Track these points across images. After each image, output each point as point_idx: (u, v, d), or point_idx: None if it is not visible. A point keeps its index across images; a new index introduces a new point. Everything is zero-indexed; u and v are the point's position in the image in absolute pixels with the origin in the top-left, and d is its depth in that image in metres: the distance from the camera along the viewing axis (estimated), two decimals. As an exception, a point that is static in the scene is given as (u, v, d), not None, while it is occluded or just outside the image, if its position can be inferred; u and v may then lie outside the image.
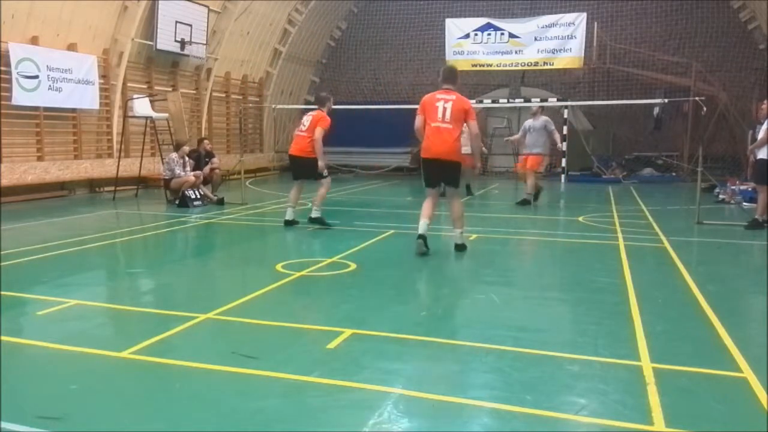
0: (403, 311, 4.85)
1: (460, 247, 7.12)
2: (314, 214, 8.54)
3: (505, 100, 18.76)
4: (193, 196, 11.06)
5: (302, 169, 8.84)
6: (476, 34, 18.47)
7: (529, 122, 11.93)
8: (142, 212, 10.99)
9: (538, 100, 18.05)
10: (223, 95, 17.79)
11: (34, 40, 11.79)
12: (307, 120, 8.58)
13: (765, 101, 9.10)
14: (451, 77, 7.01)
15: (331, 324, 4.33)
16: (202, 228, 9.14)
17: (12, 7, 11.13)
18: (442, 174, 6.95)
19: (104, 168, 13.43)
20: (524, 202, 11.42)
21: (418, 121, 6.94)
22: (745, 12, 17.43)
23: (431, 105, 6.83)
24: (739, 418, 2.96)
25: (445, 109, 6.72)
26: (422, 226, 6.85)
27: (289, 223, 8.75)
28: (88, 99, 12.92)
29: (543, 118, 11.81)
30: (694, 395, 3.22)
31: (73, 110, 12.89)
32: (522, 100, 18.47)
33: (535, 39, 17.94)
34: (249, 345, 3.91)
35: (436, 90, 6.97)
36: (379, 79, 20.93)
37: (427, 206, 6.96)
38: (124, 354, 3.69)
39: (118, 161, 13.00)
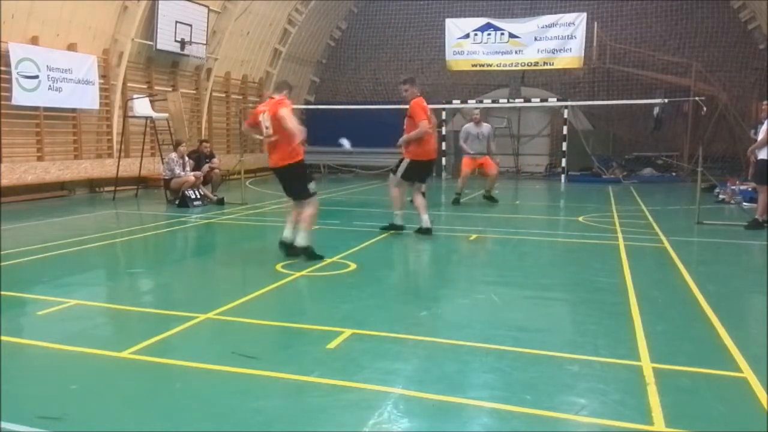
0: (403, 311, 4.84)
1: (428, 231, 7.97)
2: (300, 241, 6.51)
3: (505, 100, 18.76)
4: (193, 196, 11.06)
5: (288, 181, 6.77)
6: (476, 34, 18.47)
7: (472, 128, 11.95)
8: (142, 212, 10.99)
9: (538, 100, 18.09)
10: (223, 95, 17.79)
11: (34, 40, 11.79)
12: (266, 119, 6.41)
13: (765, 101, 9.09)
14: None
15: (331, 324, 4.32)
16: (202, 228, 9.14)
17: (12, 7, 11.13)
18: (430, 171, 8.34)
19: (104, 168, 13.43)
20: (492, 199, 11.76)
21: (427, 125, 7.85)
22: (745, 12, 17.43)
23: (429, 114, 7.95)
24: (739, 418, 2.96)
25: (430, 116, 7.99)
26: (401, 218, 8.13)
27: (282, 245, 6.73)
28: (88, 99, 12.92)
29: (487, 125, 12.10)
30: (694, 395, 3.22)
31: (73, 110, 12.89)
32: (522, 100, 18.49)
33: (535, 39, 17.95)
34: (249, 345, 3.91)
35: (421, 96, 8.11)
36: (379, 79, 20.92)
37: (402, 196, 8.13)
38: (124, 354, 3.69)
39: (118, 161, 13.00)
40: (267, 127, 6.37)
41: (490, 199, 11.75)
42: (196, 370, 3.48)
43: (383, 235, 7.99)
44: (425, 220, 7.94)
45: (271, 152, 6.49)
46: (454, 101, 18.80)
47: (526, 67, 18.58)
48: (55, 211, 10.44)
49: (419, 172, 8.04)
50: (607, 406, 3.05)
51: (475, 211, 10.67)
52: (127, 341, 3.91)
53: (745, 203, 11.24)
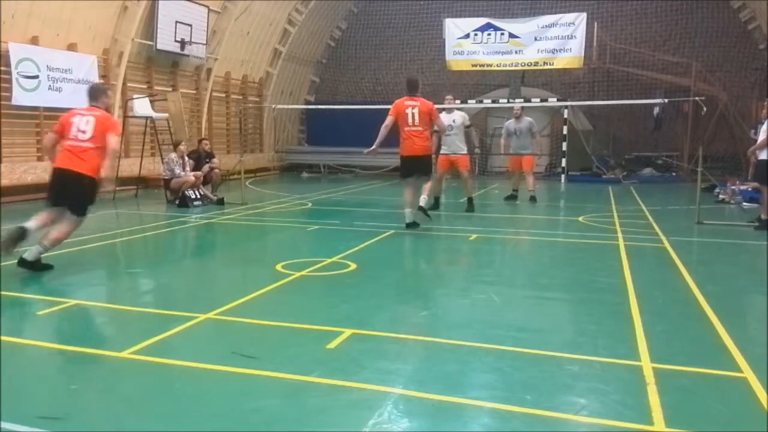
0: (403, 311, 4.84)
1: (423, 210, 8.26)
2: (30, 256, 5.74)
3: (505, 100, 18.75)
4: (193, 196, 11.06)
5: (68, 193, 5.91)
6: (476, 34, 18.47)
7: (512, 124, 12.16)
8: (142, 212, 10.99)
9: (538, 100, 18.09)
10: (223, 95, 17.79)
11: (34, 40, 11.78)
12: (86, 123, 5.87)
13: (767, 101, 9.07)
14: (414, 87, 8.45)
15: (331, 324, 4.32)
16: (202, 228, 9.14)
17: (12, 7, 11.13)
18: (418, 167, 8.32)
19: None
20: (533, 199, 11.85)
21: (389, 121, 8.27)
22: (745, 12, 17.43)
23: (402, 112, 8.24)
24: (739, 418, 2.96)
25: (413, 114, 8.18)
26: (409, 215, 8.26)
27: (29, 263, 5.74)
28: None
29: (527, 120, 12.15)
30: (694, 395, 3.22)
31: (74, 110, 12.88)
32: (522, 100, 18.47)
33: (535, 39, 17.95)
34: (249, 345, 3.91)
35: (404, 97, 8.38)
36: (379, 79, 20.92)
37: (408, 194, 8.31)
38: (124, 354, 3.69)
39: (118, 161, 12.98)
40: (82, 131, 5.82)
41: (532, 199, 11.85)
42: (196, 370, 3.48)
43: (384, 235, 8.00)
44: (407, 214, 8.28)
45: (81, 157, 5.78)
46: (454, 101, 18.79)
47: (526, 67, 18.58)
48: (55, 211, 10.42)
49: (403, 167, 8.49)
50: (607, 406, 3.05)
51: (476, 211, 10.66)
52: (127, 341, 3.90)
53: (745, 203, 11.23)
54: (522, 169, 12.18)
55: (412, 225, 8.29)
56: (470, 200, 10.58)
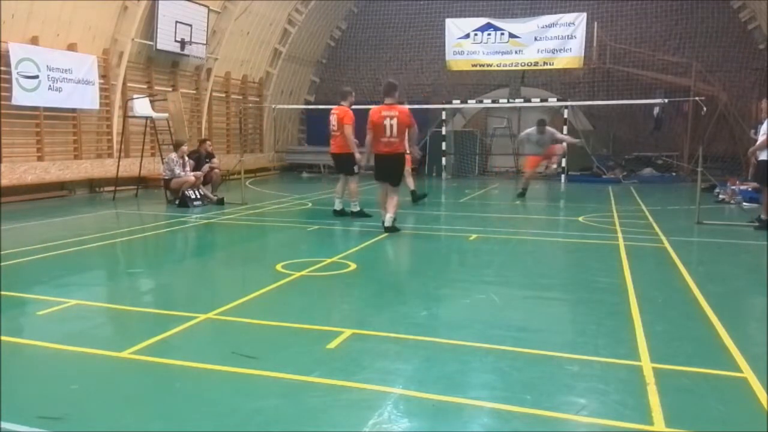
0: (403, 311, 4.84)
1: (390, 229, 8.05)
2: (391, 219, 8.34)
3: (505, 100, 18.76)
4: (193, 196, 11.06)
5: (337, 164, 9.85)
6: (476, 34, 18.48)
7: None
8: (142, 212, 10.99)
9: (538, 100, 18.09)
10: (223, 95, 17.80)
11: (34, 40, 11.79)
12: (334, 119, 9.48)
13: (765, 100, 9.07)
14: (391, 92, 8.24)
15: (331, 324, 4.32)
16: (202, 228, 9.14)
17: (12, 7, 11.14)
18: (390, 171, 8.32)
19: (104, 168, 13.43)
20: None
21: (369, 137, 8.29)
22: (745, 12, 17.44)
23: (379, 124, 8.10)
24: (739, 418, 2.96)
25: (391, 126, 8.06)
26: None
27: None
28: (88, 99, 12.92)
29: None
30: (694, 395, 3.22)
31: (73, 110, 12.89)
32: (522, 100, 18.49)
33: (535, 39, 17.95)
34: (249, 345, 3.91)
35: (381, 105, 8.22)
36: (379, 79, 20.87)
37: (385, 198, 8.30)
38: (124, 354, 3.69)
39: (118, 161, 13.00)
40: (333, 124, 9.53)
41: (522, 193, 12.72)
42: (196, 370, 3.48)
43: (384, 235, 7.99)
44: (387, 218, 8.16)
45: (333, 142, 9.57)
46: (454, 101, 18.81)
47: (526, 67, 18.58)
48: (55, 211, 10.44)
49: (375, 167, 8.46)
50: (607, 406, 3.05)
51: (475, 211, 10.67)
52: (127, 341, 3.91)
53: (745, 203, 11.23)
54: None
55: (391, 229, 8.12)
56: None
